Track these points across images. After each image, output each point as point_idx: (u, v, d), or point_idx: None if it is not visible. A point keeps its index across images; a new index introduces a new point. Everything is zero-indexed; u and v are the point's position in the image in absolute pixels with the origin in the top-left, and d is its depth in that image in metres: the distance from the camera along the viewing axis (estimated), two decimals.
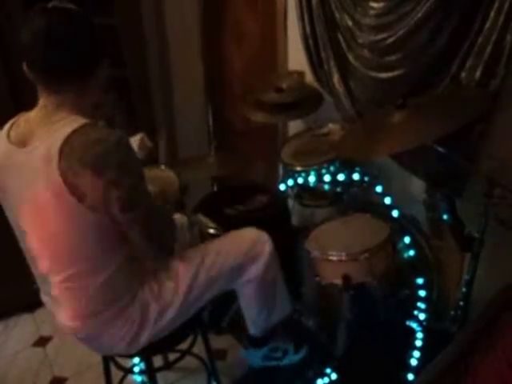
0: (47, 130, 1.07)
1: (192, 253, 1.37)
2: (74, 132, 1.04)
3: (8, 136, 1.13)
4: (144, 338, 1.26)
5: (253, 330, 1.53)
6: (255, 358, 1.61)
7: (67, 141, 1.03)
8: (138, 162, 1.15)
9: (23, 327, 2.23)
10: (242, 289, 1.44)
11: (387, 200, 1.64)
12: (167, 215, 1.33)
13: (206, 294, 1.35)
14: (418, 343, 1.54)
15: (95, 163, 1.02)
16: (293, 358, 1.62)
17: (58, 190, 1.04)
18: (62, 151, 1.02)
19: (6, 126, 1.16)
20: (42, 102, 1.11)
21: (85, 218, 1.07)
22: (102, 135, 1.05)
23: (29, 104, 1.16)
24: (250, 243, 1.40)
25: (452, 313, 1.47)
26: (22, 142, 1.09)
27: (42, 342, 2.14)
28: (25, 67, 1.08)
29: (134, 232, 1.15)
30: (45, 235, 1.12)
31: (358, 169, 1.71)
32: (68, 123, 1.06)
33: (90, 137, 1.04)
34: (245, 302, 1.48)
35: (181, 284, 1.29)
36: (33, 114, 1.13)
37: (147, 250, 1.23)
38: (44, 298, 1.28)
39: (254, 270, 1.39)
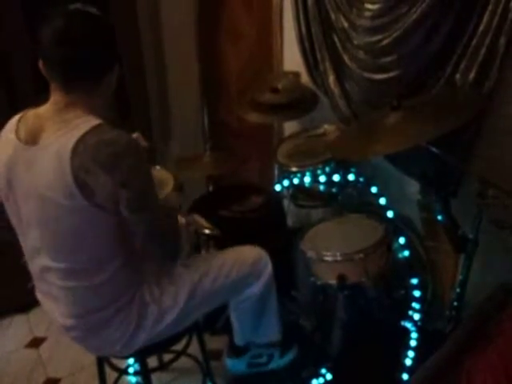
0: (60, 127, 1.08)
1: (196, 262, 1.38)
2: (88, 132, 1.06)
3: (16, 131, 1.12)
4: (139, 341, 1.25)
5: (237, 339, 1.54)
6: (239, 366, 1.61)
7: (81, 140, 1.04)
8: (148, 165, 1.17)
9: (17, 328, 2.22)
10: (236, 304, 1.45)
11: (382, 201, 1.65)
12: (174, 223, 1.33)
13: (204, 305, 1.36)
14: (413, 343, 1.55)
15: (108, 162, 1.04)
16: (279, 362, 1.62)
17: (67, 187, 1.05)
18: (75, 149, 1.04)
19: (14, 120, 1.15)
20: (53, 98, 1.12)
21: (90, 217, 1.08)
22: (115, 136, 1.07)
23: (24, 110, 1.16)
24: (253, 261, 1.41)
25: (446, 313, 1.47)
26: (32, 139, 1.10)
27: (36, 342, 2.13)
28: (40, 65, 1.10)
29: (140, 232, 1.16)
30: (49, 231, 1.12)
31: (353, 169, 1.72)
32: (82, 123, 1.07)
33: (103, 137, 1.06)
34: (236, 315, 1.49)
35: (182, 290, 1.29)
36: (43, 110, 1.13)
37: (152, 251, 1.23)
38: (40, 295, 1.28)
39: (254, 288, 1.41)
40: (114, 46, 1.14)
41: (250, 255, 1.43)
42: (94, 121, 1.09)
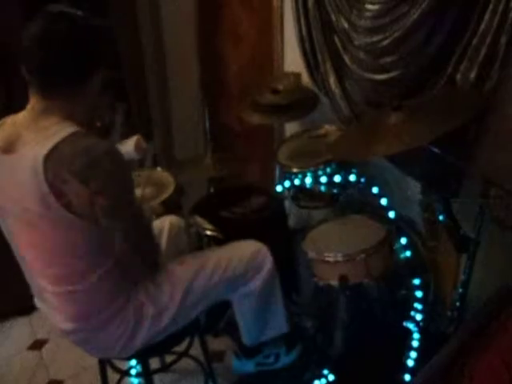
0: (35, 136, 1.05)
1: (192, 258, 1.37)
2: (63, 141, 1.03)
3: None
4: (139, 340, 1.25)
5: (246, 339, 1.53)
6: (248, 366, 1.61)
7: (55, 149, 1.02)
8: (126, 172, 1.14)
9: (19, 330, 2.22)
10: (238, 300, 1.44)
11: (383, 201, 1.65)
12: (151, 231, 1.30)
13: (202, 302, 1.34)
14: (415, 344, 1.54)
15: (82, 172, 1.02)
16: (285, 361, 1.62)
17: (43, 197, 1.03)
18: (48, 159, 1.01)
19: None
20: (31, 103, 1.09)
21: (71, 225, 1.07)
22: (91, 144, 1.04)
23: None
24: (250, 256, 1.40)
25: (448, 313, 1.47)
26: (9, 147, 1.07)
27: (38, 344, 2.13)
28: (23, 70, 1.07)
29: (118, 239, 1.14)
30: (36, 240, 1.11)
31: (354, 170, 1.72)
32: (58, 131, 1.05)
33: (78, 145, 1.04)
34: (240, 313, 1.48)
35: (178, 288, 1.28)
36: (20, 117, 1.11)
37: (130, 259, 1.20)
38: (38, 302, 1.28)
39: (253, 284, 1.40)
40: (96, 52, 1.09)
41: (247, 250, 1.41)
42: (70, 128, 1.05)
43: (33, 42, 1.03)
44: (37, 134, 1.05)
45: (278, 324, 1.51)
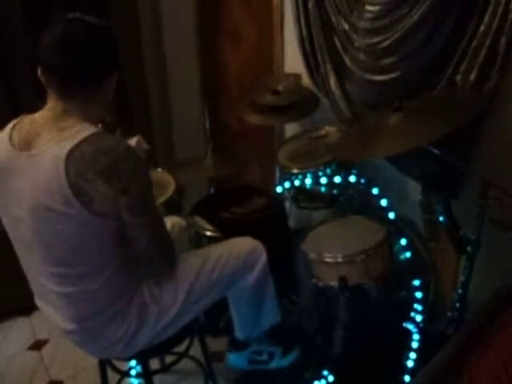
0: (56, 135, 1.07)
1: (192, 257, 1.38)
2: (84, 140, 1.06)
3: (10, 138, 1.13)
4: (141, 341, 1.26)
5: (239, 332, 1.55)
6: (240, 362, 1.62)
7: (77, 148, 1.04)
8: (146, 169, 1.18)
9: (19, 330, 2.22)
10: (234, 294, 1.46)
11: (383, 202, 1.65)
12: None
13: (204, 300, 1.36)
14: (415, 345, 1.54)
15: (106, 172, 1.05)
16: (280, 362, 1.62)
17: (63, 195, 1.04)
18: (69, 157, 1.04)
19: (8, 127, 1.16)
20: (50, 104, 1.12)
21: (88, 224, 1.08)
22: (112, 144, 1.08)
23: (27, 113, 1.17)
24: (247, 252, 1.43)
25: (448, 314, 1.47)
26: (26, 145, 1.10)
27: (38, 345, 2.13)
28: (39, 71, 1.10)
29: (142, 236, 1.15)
30: (46, 238, 1.12)
31: (354, 171, 1.72)
32: (79, 131, 1.07)
33: (100, 145, 1.06)
34: (235, 307, 1.50)
35: (180, 287, 1.29)
36: (39, 116, 1.13)
37: (153, 256, 1.21)
38: (38, 301, 1.28)
39: (249, 278, 1.42)
40: (113, 54, 1.15)
41: (245, 247, 1.44)
42: (90, 129, 1.09)
43: (52, 47, 1.07)
44: (56, 133, 1.08)
45: (270, 317, 1.53)
